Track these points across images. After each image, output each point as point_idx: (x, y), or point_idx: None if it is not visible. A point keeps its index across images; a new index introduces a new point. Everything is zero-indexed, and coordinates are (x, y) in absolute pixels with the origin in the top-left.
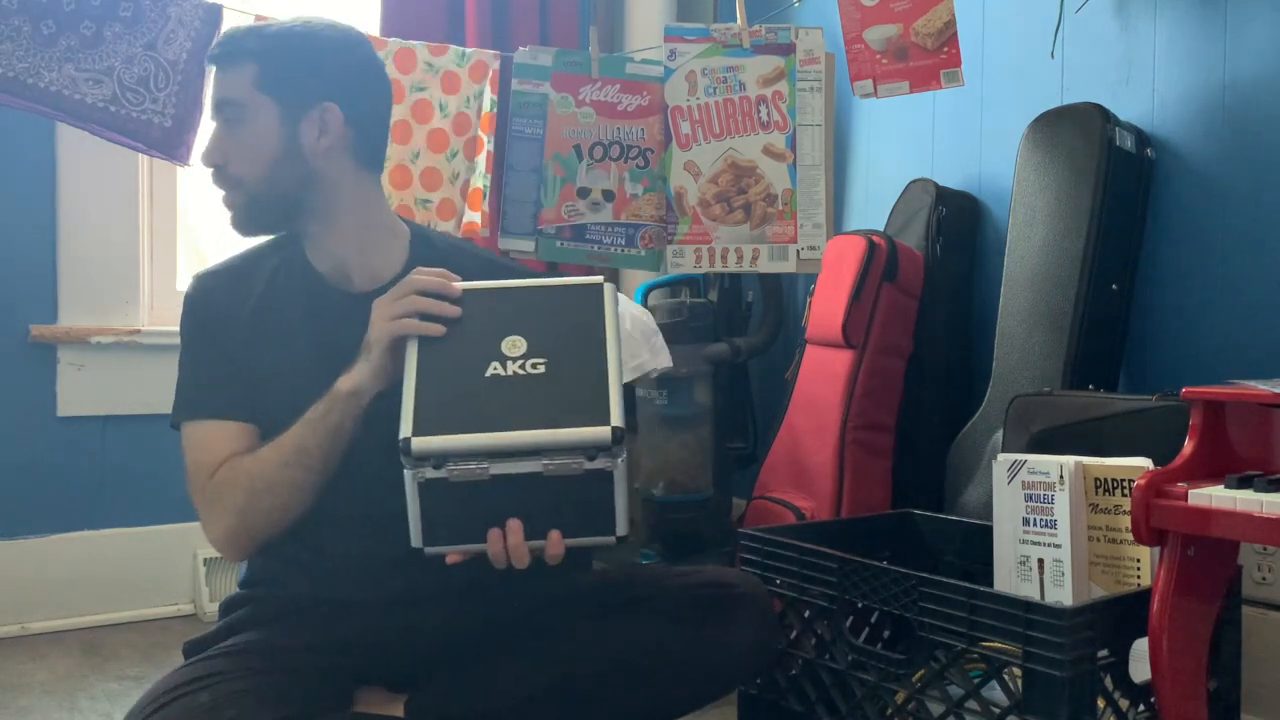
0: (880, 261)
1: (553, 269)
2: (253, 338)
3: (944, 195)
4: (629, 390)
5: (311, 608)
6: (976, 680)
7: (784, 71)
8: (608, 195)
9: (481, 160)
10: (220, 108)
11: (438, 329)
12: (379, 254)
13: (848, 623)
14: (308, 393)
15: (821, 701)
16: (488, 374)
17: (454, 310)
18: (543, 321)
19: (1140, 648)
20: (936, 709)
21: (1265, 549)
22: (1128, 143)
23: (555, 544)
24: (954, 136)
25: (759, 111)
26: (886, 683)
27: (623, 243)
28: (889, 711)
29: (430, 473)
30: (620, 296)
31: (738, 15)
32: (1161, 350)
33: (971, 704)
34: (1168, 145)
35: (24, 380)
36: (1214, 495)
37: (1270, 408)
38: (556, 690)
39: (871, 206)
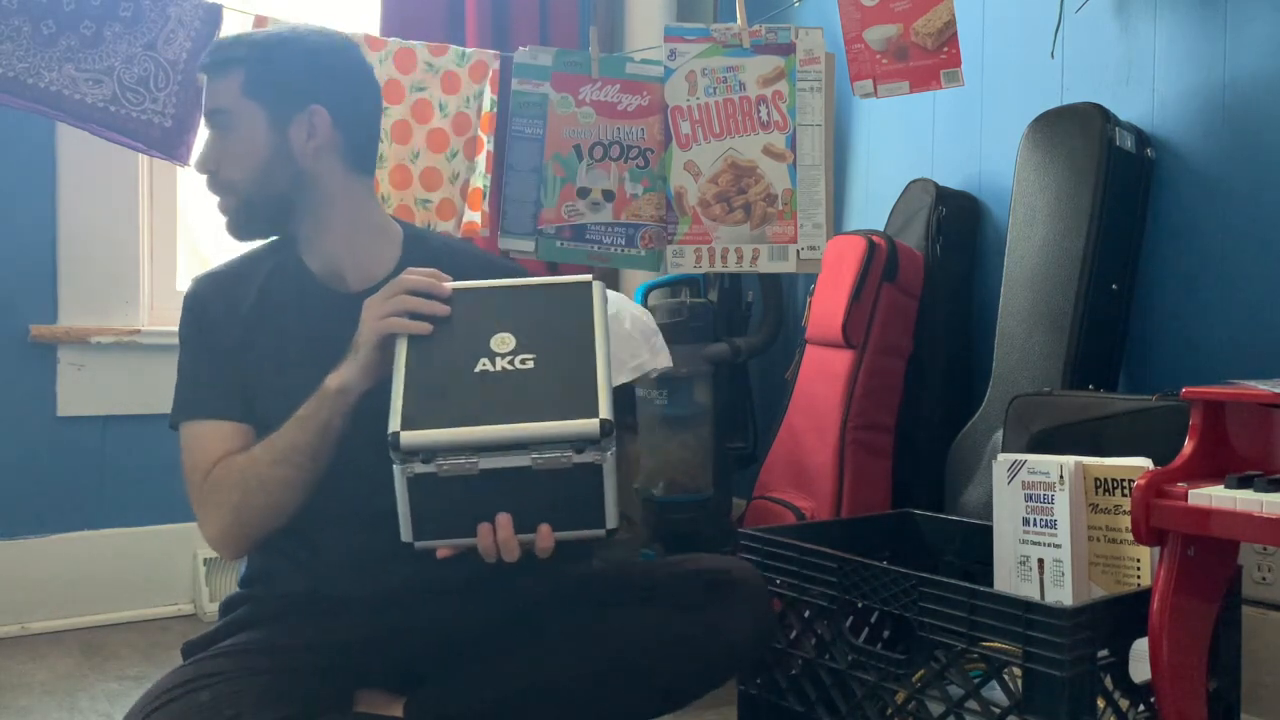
0: (880, 261)
1: (553, 269)
2: (248, 338)
3: (944, 195)
4: (628, 390)
5: (310, 605)
6: (976, 680)
7: (784, 71)
8: (608, 195)
9: (481, 160)
10: (211, 116)
11: (425, 327)
12: (371, 254)
13: (848, 623)
14: (301, 391)
15: (821, 701)
16: (476, 370)
17: (443, 309)
18: (532, 319)
19: (1140, 648)
20: (936, 709)
21: (1265, 549)
22: (1128, 143)
23: (545, 537)
24: (954, 136)
25: (759, 111)
26: (886, 683)
27: (623, 243)
28: (889, 711)
29: (419, 467)
30: (620, 296)
31: (738, 15)
32: (1161, 350)
33: (971, 704)
34: (1168, 145)
35: (24, 380)
36: (1214, 495)
37: (1270, 408)
38: (556, 686)
39: (871, 206)
